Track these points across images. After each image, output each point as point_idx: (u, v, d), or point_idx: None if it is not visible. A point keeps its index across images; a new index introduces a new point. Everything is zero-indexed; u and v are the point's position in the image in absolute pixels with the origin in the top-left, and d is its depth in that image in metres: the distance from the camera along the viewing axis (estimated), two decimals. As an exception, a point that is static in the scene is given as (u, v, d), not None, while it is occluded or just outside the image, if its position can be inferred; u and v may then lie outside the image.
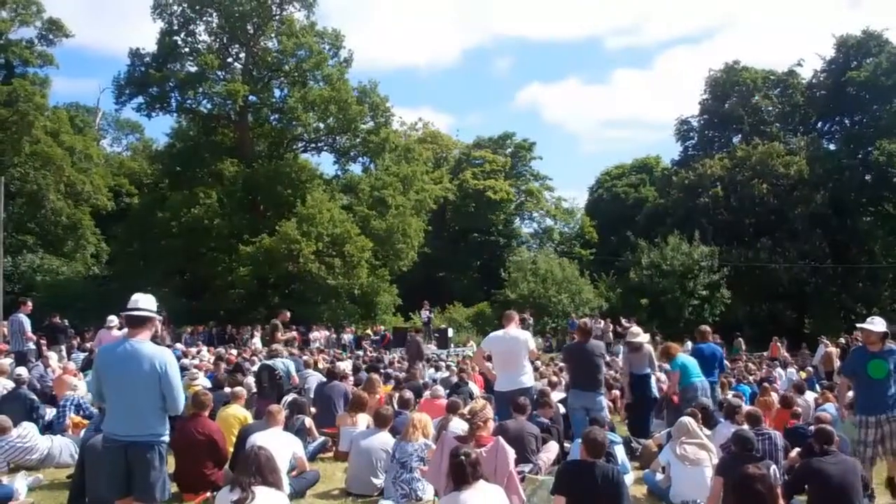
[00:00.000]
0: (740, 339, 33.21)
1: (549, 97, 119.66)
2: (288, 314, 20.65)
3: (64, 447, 10.14)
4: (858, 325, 9.22)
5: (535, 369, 18.08)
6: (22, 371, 12.68)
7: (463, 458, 5.74)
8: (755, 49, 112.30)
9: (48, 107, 40.79)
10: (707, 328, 12.99)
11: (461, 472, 5.71)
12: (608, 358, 12.08)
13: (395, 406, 11.20)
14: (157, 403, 5.80)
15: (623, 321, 33.44)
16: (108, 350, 6.12)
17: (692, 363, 12.04)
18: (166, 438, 6.01)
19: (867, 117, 50.43)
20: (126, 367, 5.75)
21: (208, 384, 13.21)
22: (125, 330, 6.13)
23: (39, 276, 37.32)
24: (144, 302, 6.09)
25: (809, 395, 14.68)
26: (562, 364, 18.56)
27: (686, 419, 9.01)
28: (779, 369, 23.65)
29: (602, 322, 33.19)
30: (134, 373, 5.72)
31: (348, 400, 11.57)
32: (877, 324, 8.79)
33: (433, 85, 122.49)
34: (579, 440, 8.64)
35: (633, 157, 67.70)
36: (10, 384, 12.12)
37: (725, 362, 13.95)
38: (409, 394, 11.37)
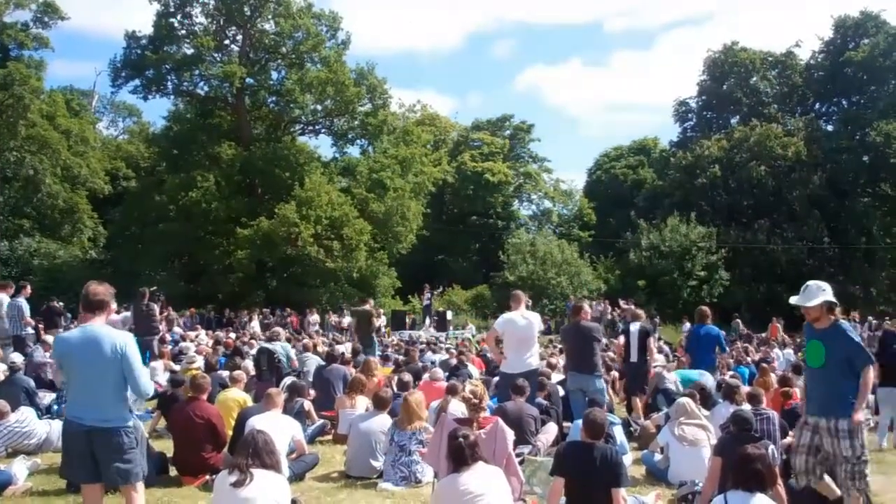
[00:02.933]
0: (738, 320, 33.23)
1: (550, 80, 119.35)
2: (371, 301, 20.69)
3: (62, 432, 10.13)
4: (791, 300, 6.78)
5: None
6: (17, 357, 12.68)
7: (462, 439, 5.75)
8: (754, 30, 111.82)
9: (44, 90, 40.66)
10: (707, 310, 12.87)
11: (460, 454, 5.71)
12: (604, 340, 12.01)
13: (395, 388, 11.21)
14: (119, 388, 5.69)
15: (621, 302, 33.54)
16: (65, 339, 6.00)
17: (684, 373, 12.19)
18: (131, 423, 5.87)
19: (865, 98, 50.42)
20: (84, 353, 5.63)
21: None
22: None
23: (36, 261, 37.28)
24: (98, 288, 5.99)
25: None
26: (560, 347, 18.61)
27: (685, 400, 9.04)
28: (776, 350, 23.72)
29: (602, 304, 33.27)
30: (93, 357, 5.60)
31: (347, 383, 11.58)
32: (809, 292, 6.58)
33: (435, 68, 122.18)
34: (579, 422, 8.68)
35: (633, 139, 67.54)
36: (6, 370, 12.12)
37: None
38: (408, 376, 11.39)
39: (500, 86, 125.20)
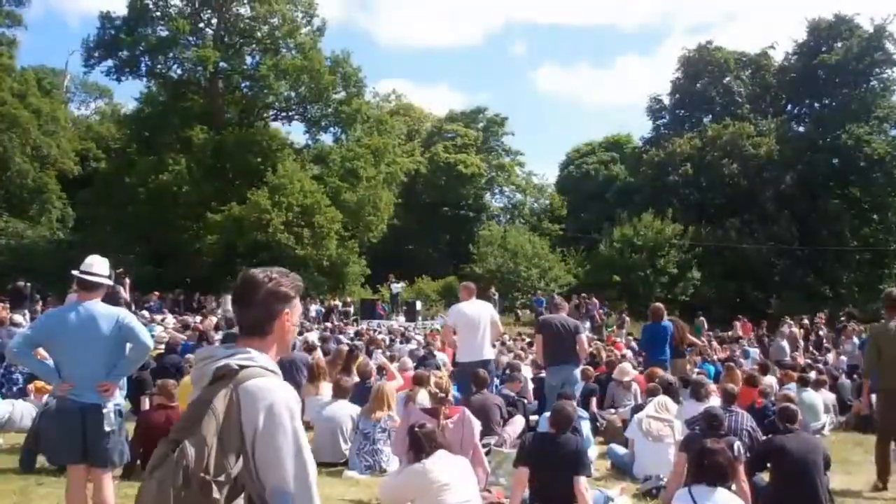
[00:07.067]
0: (702, 318, 33.20)
1: (553, 78, 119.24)
2: None
3: (26, 412, 10.03)
4: None
5: (502, 344, 18.02)
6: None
7: (417, 429, 6.02)
8: (730, 31, 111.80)
9: (15, 68, 40.18)
10: (661, 307, 12.69)
11: (417, 444, 5.94)
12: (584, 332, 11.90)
13: (358, 377, 11.16)
14: (113, 366, 5.69)
15: (584, 298, 33.28)
16: (59, 315, 5.92)
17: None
18: (122, 402, 5.94)
19: (836, 101, 50.80)
20: (83, 330, 5.58)
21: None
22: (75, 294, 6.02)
23: (3, 240, 36.81)
24: (99, 266, 5.96)
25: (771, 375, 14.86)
26: (529, 340, 18.58)
27: (663, 397, 9.08)
28: (748, 348, 23.84)
29: (568, 302, 33.07)
30: (93, 335, 5.57)
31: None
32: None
33: (451, 65, 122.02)
34: (547, 414, 8.71)
35: (605, 135, 67.52)
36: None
37: (691, 337, 13.81)
38: (371, 365, 11.37)
39: (511, 82, 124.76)
